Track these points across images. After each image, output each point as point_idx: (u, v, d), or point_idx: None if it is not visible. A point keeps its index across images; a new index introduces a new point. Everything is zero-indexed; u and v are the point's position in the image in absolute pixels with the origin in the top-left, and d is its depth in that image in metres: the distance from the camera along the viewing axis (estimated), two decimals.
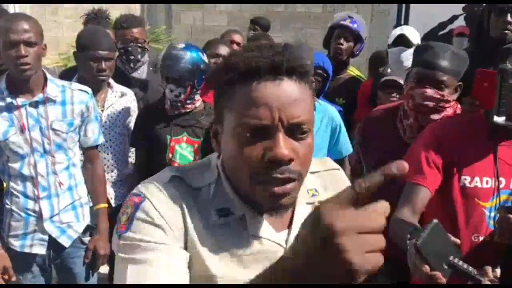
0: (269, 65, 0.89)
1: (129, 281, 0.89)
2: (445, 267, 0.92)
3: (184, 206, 0.95)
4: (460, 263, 0.93)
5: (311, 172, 1.07)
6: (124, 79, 3.02)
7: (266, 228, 0.99)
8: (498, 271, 1.58)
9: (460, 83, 2.06)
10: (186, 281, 0.92)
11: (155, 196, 0.95)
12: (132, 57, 3.08)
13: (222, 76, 0.94)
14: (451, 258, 0.92)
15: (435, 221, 1.03)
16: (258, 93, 0.89)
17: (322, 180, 1.12)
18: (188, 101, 2.59)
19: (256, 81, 0.89)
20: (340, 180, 1.15)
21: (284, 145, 0.88)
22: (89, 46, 2.59)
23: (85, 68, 2.65)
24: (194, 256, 0.94)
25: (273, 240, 0.99)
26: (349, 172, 2.65)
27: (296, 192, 0.94)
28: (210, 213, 0.97)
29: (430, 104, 2.03)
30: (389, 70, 2.70)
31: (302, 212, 1.03)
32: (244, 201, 0.98)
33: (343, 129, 2.64)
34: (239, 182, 0.95)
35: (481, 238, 1.75)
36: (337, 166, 1.18)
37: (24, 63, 2.10)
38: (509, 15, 2.44)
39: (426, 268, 1.07)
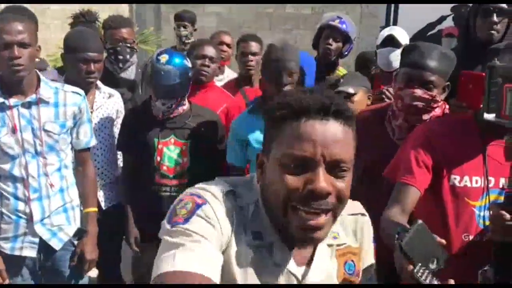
0: (318, 105, 0.99)
1: (177, 261, 0.94)
2: (431, 267, 0.93)
3: (234, 220, 1.04)
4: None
5: None
6: (112, 79, 3.01)
7: (291, 263, 1.07)
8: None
9: (448, 83, 2.07)
10: (217, 277, 0.98)
11: (215, 204, 1.03)
12: (121, 57, 3.07)
13: (275, 111, 1.03)
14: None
15: (420, 221, 1.04)
16: (305, 129, 0.99)
17: (344, 224, 1.17)
18: (178, 107, 2.60)
19: (305, 118, 0.99)
20: (362, 227, 1.19)
21: (323, 179, 0.97)
22: (78, 48, 2.58)
23: (73, 70, 2.63)
24: (226, 263, 1.02)
25: (293, 272, 1.07)
26: None
27: (329, 227, 1.02)
28: (247, 233, 1.06)
29: (419, 104, 2.04)
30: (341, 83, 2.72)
31: (322, 251, 1.11)
32: (276, 230, 1.06)
33: None
34: (275, 209, 1.02)
35: (471, 237, 1.76)
36: (363, 211, 1.22)
37: (17, 64, 2.10)
38: (494, 15, 2.45)
39: (410, 267, 1.07)
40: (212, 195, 1.05)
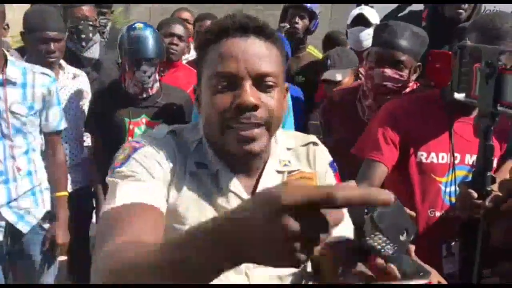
0: (237, 24, 1.01)
1: (118, 197, 0.96)
2: (401, 239, 0.93)
3: (176, 155, 1.06)
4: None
5: (288, 149, 1.17)
6: (75, 59, 2.94)
7: (236, 184, 1.08)
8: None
9: (419, 63, 2.07)
10: (163, 204, 1.01)
11: (154, 144, 1.06)
12: (83, 36, 2.99)
13: (201, 41, 1.07)
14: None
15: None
16: (226, 47, 1.01)
17: (296, 154, 1.18)
18: (154, 85, 2.56)
19: (225, 38, 1.01)
20: (314, 154, 1.19)
21: (249, 92, 0.98)
22: (37, 27, 2.51)
23: (33, 50, 2.57)
24: (172, 196, 1.04)
25: (240, 196, 1.07)
26: None
27: (264, 140, 1.03)
28: (190, 163, 1.07)
29: (389, 84, 2.05)
30: (329, 65, 2.72)
31: (271, 177, 1.11)
32: (220, 159, 1.08)
33: (291, 113, 2.59)
34: (211, 131, 1.05)
35: (437, 213, 1.79)
36: (315, 140, 1.22)
37: None
38: None
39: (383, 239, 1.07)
40: (151, 137, 1.08)
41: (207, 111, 1.04)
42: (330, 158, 1.23)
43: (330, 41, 3.63)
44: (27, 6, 3.59)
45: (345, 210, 0.64)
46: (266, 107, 1.01)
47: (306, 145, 1.20)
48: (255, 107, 0.99)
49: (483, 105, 1.39)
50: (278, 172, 1.13)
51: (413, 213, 1.19)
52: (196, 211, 1.04)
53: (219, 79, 1.00)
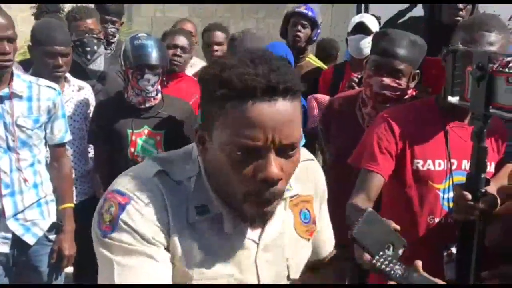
0: (265, 85, 0.89)
1: (119, 276, 0.93)
2: (387, 253, 0.94)
3: (168, 205, 0.97)
4: (379, 264, 0.94)
5: None
6: (81, 71, 2.97)
7: (241, 226, 1.03)
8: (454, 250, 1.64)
9: (417, 71, 2.09)
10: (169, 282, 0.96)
11: (140, 199, 0.96)
12: (88, 49, 3.03)
13: (215, 88, 0.92)
14: (375, 259, 0.93)
15: (369, 209, 1.04)
16: (253, 114, 0.89)
17: (294, 174, 1.10)
18: (157, 95, 2.59)
19: (251, 101, 0.89)
20: (312, 171, 1.18)
21: (274, 166, 0.91)
22: (45, 41, 2.54)
23: (40, 64, 2.60)
24: (175, 253, 0.97)
25: (248, 237, 1.04)
26: None
27: (278, 204, 1.00)
28: (190, 209, 0.99)
29: (387, 93, 2.06)
30: None
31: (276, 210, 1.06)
32: (222, 200, 1.01)
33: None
34: (231, 197, 0.98)
35: (436, 220, 1.79)
36: (311, 156, 1.20)
37: (7, 60, 2.09)
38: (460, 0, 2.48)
39: (367, 256, 1.08)
40: (137, 184, 0.97)
41: (225, 178, 0.96)
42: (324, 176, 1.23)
43: (325, 51, 3.62)
44: (30, 19, 3.63)
45: None
46: (287, 175, 0.96)
47: (302, 161, 1.12)
48: (278, 180, 0.94)
49: (476, 107, 1.42)
50: (281, 199, 1.07)
51: (397, 227, 1.19)
52: (203, 258, 0.99)
53: (240, 148, 0.91)
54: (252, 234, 1.05)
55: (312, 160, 1.20)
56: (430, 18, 2.63)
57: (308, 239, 1.16)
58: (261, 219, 0.99)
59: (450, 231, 1.68)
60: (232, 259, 1.02)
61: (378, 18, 3.11)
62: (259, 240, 1.05)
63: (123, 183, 0.99)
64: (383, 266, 0.92)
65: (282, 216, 1.10)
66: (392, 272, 0.91)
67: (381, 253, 0.93)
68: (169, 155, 1.06)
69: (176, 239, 0.97)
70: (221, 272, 1.01)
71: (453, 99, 1.49)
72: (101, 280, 0.97)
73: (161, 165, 1.01)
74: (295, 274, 1.13)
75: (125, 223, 0.94)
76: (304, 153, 1.17)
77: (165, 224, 0.96)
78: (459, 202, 1.49)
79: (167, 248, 0.97)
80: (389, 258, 0.93)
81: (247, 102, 0.89)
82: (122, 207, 0.95)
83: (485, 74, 1.35)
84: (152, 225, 0.95)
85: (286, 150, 0.93)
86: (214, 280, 1.00)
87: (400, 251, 0.95)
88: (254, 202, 0.95)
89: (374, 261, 0.91)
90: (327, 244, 1.32)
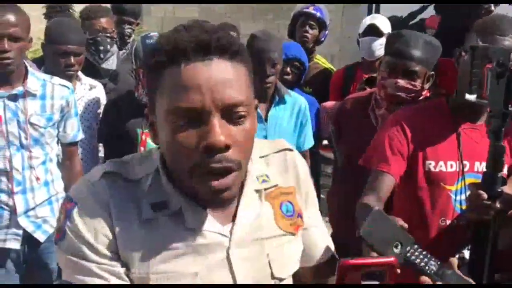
0: (196, 44, 0.84)
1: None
2: (395, 251, 0.92)
3: (112, 206, 0.90)
4: (413, 257, 0.92)
5: (260, 157, 1.04)
6: (93, 70, 2.98)
7: (209, 220, 0.94)
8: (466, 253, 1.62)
9: (432, 72, 2.07)
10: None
11: (84, 203, 0.90)
12: (101, 48, 3.05)
13: (151, 60, 0.88)
14: (407, 250, 0.91)
15: (376, 208, 1.02)
16: (187, 75, 0.83)
17: (272, 164, 1.05)
18: None
19: (184, 62, 0.84)
20: (291, 161, 1.08)
21: (219, 131, 0.83)
22: (58, 40, 2.55)
23: (52, 62, 2.61)
24: (125, 254, 0.90)
25: (215, 231, 0.94)
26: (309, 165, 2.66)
27: (237, 185, 0.91)
28: (144, 207, 0.92)
29: (402, 94, 2.05)
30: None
31: (248, 201, 0.98)
32: (183, 194, 0.92)
33: (309, 123, 2.62)
34: (179, 174, 0.90)
35: (448, 222, 1.78)
36: (289, 146, 1.11)
37: (5, 57, 2.07)
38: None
39: (374, 255, 1.04)
40: (83, 189, 0.92)
41: (170, 152, 0.89)
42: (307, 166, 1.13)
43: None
44: (40, 17, 3.65)
45: None
46: (239, 144, 0.86)
47: (280, 151, 1.08)
48: (226, 147, 0.84)
49: (494, 105, 1.40)
50: (256, 191, 1.00)
51: (405, 225, 1.17)
52: (162, 258, 0.91)
53: (180, 114, 0.84)
54: (221, 228, 0.94)
55: (291, 150, 1.10)
56: (445, 19, 2.61)
57: (294, 234, 1.05)
58: (216, 197, 0.88)
59: (463, 233, 1.67)
60: (196, 256, 0.92)
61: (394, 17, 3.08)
62: (230, 234, 0.95)
63: (73, 188, 0.95)
64: (417, 260, 0.90)
65: (258, 209, 1.00)
66: (426, 267, 0.89)
67: (409, 247, 0.91)
68: (128, 157, 1.00)
69: (124, 240, 0.90)
70: (182, 270, 0.91)
71: (471, 97, 1.46)
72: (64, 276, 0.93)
73: (114, 166, 0.95)
74: (280, 272, 1.01)
75: (70, 230, 0.89)
76: (281, 143, 1.10)
77: (109, 231, 0.89)
78: (474, 202, 1.47)
79: (114, 251, 0.90)
80: (424, 252, 0.91)
81: (180, 64, 0.84)
82: (68, 214, 0.90)
83: (505, 71, 1.34)
84: (94, 234, 0.89)
85: (232, 115, 0.85)
86: (175, 279, 0.90)
87: (408, 249, 0.93)
88: (200, 177, 0.86)
89: (408, 254, 0.89)
90: (319, 247, 1.15)
